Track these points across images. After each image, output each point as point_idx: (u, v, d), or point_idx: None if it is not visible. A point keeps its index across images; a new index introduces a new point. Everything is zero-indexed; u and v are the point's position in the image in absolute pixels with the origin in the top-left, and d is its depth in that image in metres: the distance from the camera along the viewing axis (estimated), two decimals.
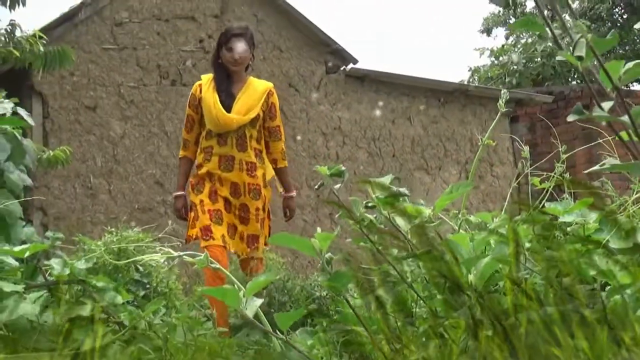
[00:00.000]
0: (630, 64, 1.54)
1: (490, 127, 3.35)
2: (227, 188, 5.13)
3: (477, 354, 0.81)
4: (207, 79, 5.33)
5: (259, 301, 2.43)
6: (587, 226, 2.45)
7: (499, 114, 3.17)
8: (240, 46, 5.17)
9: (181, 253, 3.96)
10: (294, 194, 5.64)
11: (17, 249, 3.22)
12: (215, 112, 5.11)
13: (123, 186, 10.36)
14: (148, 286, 6.00)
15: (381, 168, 12.50)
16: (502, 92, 3.11)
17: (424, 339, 1.01)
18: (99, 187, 10.22)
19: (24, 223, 6.17)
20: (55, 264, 3.19)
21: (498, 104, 3.06)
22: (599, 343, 0.84)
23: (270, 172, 5.45)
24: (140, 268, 6.08)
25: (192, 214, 5.14)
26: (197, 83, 5.39)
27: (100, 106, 10.34)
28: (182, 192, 5.36)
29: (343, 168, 2.55)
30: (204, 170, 5.18)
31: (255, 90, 5.29)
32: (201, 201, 5.08)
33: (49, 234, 6.56)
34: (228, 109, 5.15)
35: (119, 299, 3.11)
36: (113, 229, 6.55)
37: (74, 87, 10.16)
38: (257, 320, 2.61)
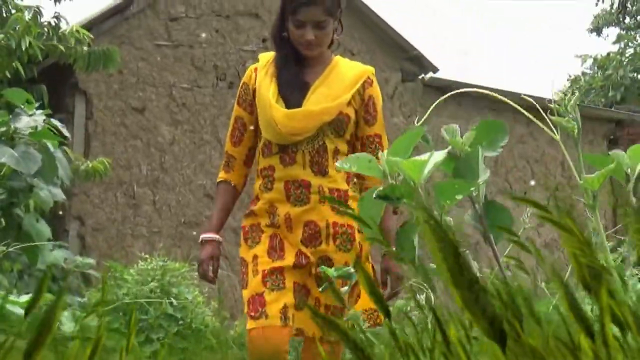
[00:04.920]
0: None
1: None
2: (299, 232, 3.56)
3: None
4: (265, 60, 3.74)
5: None
6: None
7: None
8: (314, 21, 3.52)
9: None
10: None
11: (23, 298, 3.28)
12: (272, 113, 3.56)
13: (169, 197, 10.50)
14: (181, 322, 6.09)
15: None
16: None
17: None
18: (143, 198, 10.38)
19: (51, 246, 6.32)
20: (64, 318, 3.24)
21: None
22: None
23: None
24: (175, 301, 6.18)
25: (243, 275, 3.63)
26: (252, 66, 3.80)
27: (148, 108, 10.50)
28: (214, 236, 3.69)
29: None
30: (262, 203, 3.61)
31: (343, 75, 3.69)
32: (254, 257, 3.52)
33: (80, 259, 6.68)
34: (296, 105, 3.59)
35: None
36: (147, 256, 6.68)
37: (122, 86, 10.34)
38: None
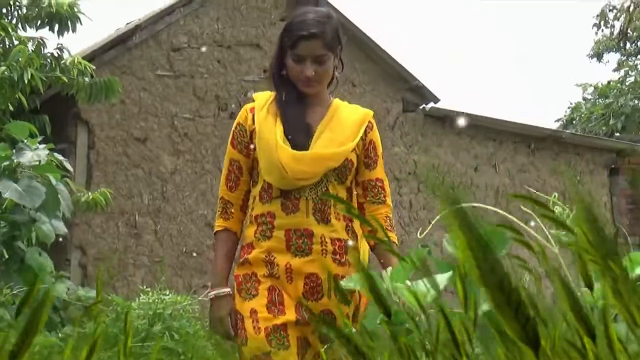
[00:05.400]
0: None
1: None
2: (300, 284, 3.33)
3: None
4: (263, 100, 3.56)
5: None
6: None
7: None
8: (314, 55, 3.39)
9: None
10: None
11: None
12: (279, 154, 3.32)
13: (170, 227, 10.52)
14: (182, 356, 6.11)
15: None
16: None
17: None
18: (144, 227, 10.39)
19: (53, 280, 6.35)
20: None
21: None
22: None
23: (365, 253, 3.51)
24: (176, 335, 6.21)
25: (240, 330, 3.34)
26: (247, 106, 3.60)
27: (150, 138, 10.53)
28: (226, 290, 3.43)
29: None
30: (259, 252, 3.37)
31: (345, 120, 3.52)
32: (253, 311, 3.28)
33: (81, 292, 6.70)
34: (302, 148, 3.39)
35: None
36: (149, 289, 6.71)
37: (124, 116, 10.38)
38: None
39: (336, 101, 3.59)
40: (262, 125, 3.42)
